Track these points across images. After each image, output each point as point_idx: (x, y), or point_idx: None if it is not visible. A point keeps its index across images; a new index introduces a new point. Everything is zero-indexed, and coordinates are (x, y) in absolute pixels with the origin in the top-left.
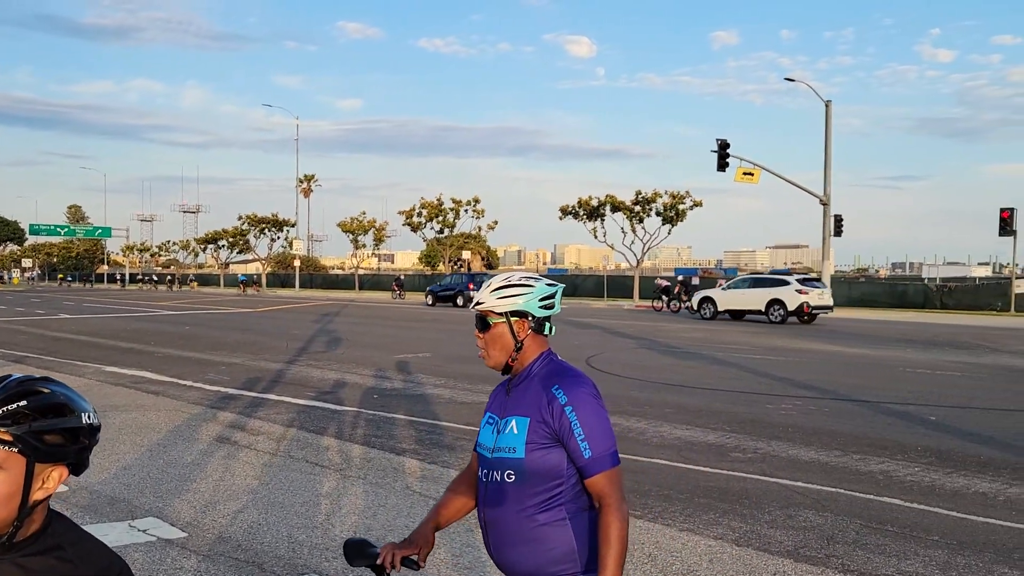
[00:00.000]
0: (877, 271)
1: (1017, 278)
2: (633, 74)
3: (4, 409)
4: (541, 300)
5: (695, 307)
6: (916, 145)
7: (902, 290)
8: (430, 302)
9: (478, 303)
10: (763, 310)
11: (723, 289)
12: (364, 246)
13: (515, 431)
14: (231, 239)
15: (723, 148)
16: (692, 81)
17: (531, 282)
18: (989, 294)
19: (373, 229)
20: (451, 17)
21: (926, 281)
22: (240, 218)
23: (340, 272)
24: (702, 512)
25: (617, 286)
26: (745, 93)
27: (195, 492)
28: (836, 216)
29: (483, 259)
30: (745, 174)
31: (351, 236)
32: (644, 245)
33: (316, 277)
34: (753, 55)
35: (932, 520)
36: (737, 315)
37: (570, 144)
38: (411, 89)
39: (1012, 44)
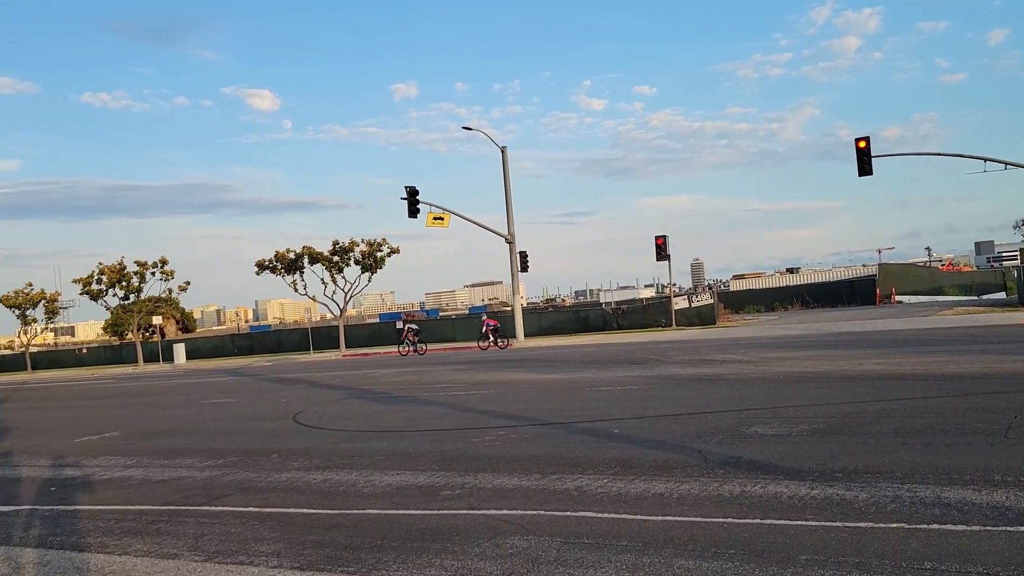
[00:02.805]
0: (563, 300)
1: (675, 296)
2: (319, 126)
3: None
4: None
5: None
6: (583, 184)
7: (584, 315)
8: None
9: None
10: None
11: None
12: (35, 320)
13: None
14: None
15: (412, 195)
16: (378, 132)
17: None
18: (655, 313)
19: (43, 301)
20: (115, 70)
21: (603, 306)
22: None
23: (8, 352)
24: (416, 556)
25: (323, 337)
26: (429, 142)
27: None
28: (521, 252)
29: (178, 323)
30: (435, 218)
31: (17, 311)
32: (346, 294)
33: None
34: (433, 106)
35: (621, 527)
36: None
37: (261, 198)
38: (77, 147)
39: (650, 94)
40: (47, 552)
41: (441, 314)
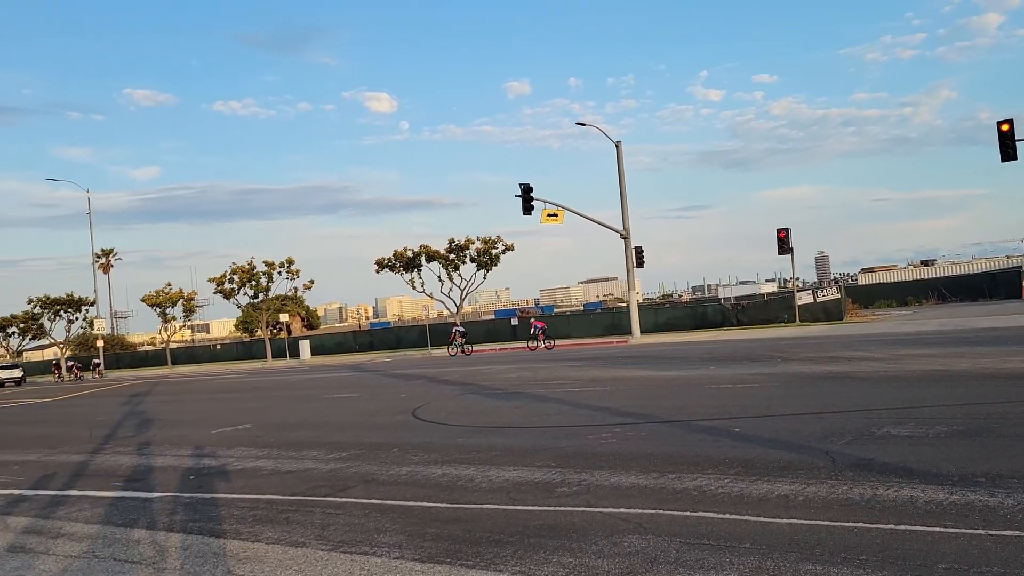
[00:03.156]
0: (680, 296)
1: (798, 291)
2: (435, 126)
3: None
4: None
5: None
6: (700, 177)
7: (702, 311)
8: None
9: None
10: None
11: None
12: (174, 319)
13: None
14: (22, 325)
15: (527, 192)
16: (492, 130)
17: None
18: (777, 308)
19: (181, 300)
20: (244, 79)
21: (722, 301)
22: (31, 301)
23: (151, 348)
24: (533, 552)
25: (440, 334)
26: (543, 139)
27: None
28: (637, 248)
29: (303, 320)
30: (549, 215)
31: (158, 310)
32: (462, 291)
33: (124, 356)
34: (546, 103)
35: (743, 528)
36: None
37: (380, 198)
38: (210, 154)
39: (770, 82)
40: (187, 537)
41: (556, 310)
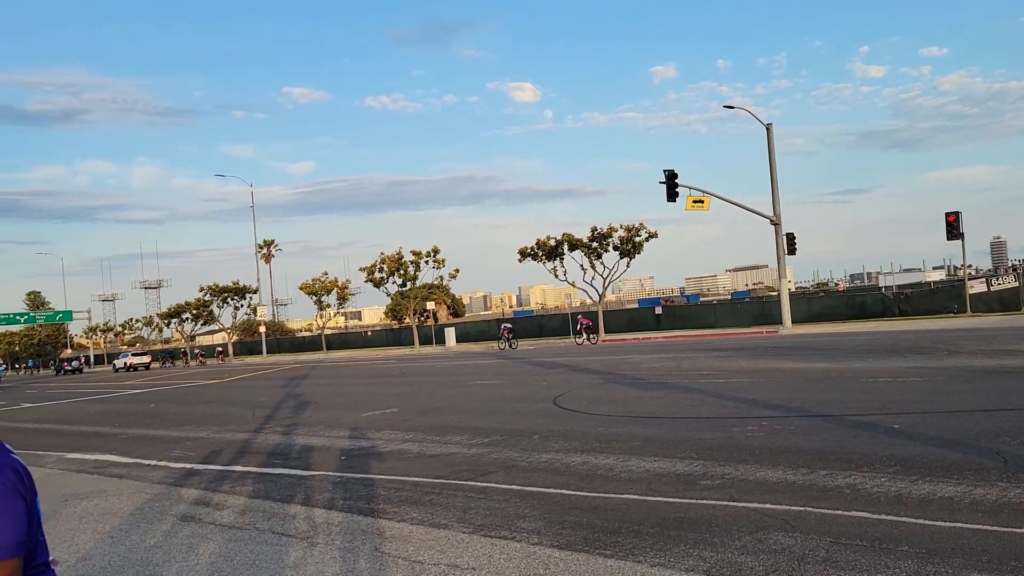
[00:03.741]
0: (836, 284)
1: (970, 279)
2: (579, 114)
3: None
4: None
5: None
6: (859, 159)
7: (860, 300)
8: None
9: None
10: None
11: None
12: (328, 306)
13: None
14: (194, 311)
15: (671, 178)
16: (636, 116)
17: None
18: (944, 297)
19: (336, 288)
20: (394, 74)
21: (883, 290)
22: (202, 289)
23: (307, 334)
24: (673, 545)
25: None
26: (689, 123)
27: None
28: (788, 235)
29: (449, 308)
30: (695, 202)
31: (314, 297)
32: (605, 280)
33: (283, 341)
34: (692, 86)
35: (901, 530)
36: None
37: (524, 188)
38: (362, 147)
39: (940, 55)
40: (338, 514)
41: (702, 299)
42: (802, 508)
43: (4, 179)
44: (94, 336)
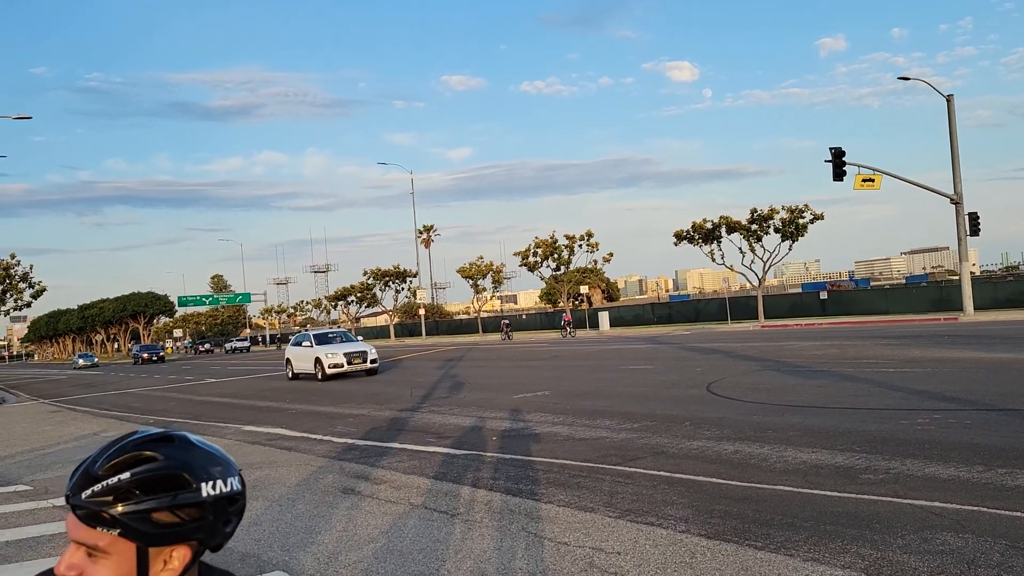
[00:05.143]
0: None
1: None
2: (739, 92)
3: (105, 484)
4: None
5: None
6: None
7: None
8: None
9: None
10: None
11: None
12: (484, 289)
13: None
14: (359, 294)
15: (838, 157)
16: (801, 92)
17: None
18: None
19: (491, 272)
20: (548, 58)
21: None
22: (365, 273)
23: (464, 317)
24: (829, 540)
25: (741, 307)
26: (859, 98)
27: (319, 544)
28: (971, 214)
29: (603, 292)
30: (864, 181)
31: (471, 281)
32: (765, 263)
33: (441, 324)
34: (864, 58)
35: None
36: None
37: (680, 169)
38: (517, 132)
39: None
40: (488, 493)
41: (872, 284)
42: (975, 508)
43: (191, 171)
44: (269, 317)
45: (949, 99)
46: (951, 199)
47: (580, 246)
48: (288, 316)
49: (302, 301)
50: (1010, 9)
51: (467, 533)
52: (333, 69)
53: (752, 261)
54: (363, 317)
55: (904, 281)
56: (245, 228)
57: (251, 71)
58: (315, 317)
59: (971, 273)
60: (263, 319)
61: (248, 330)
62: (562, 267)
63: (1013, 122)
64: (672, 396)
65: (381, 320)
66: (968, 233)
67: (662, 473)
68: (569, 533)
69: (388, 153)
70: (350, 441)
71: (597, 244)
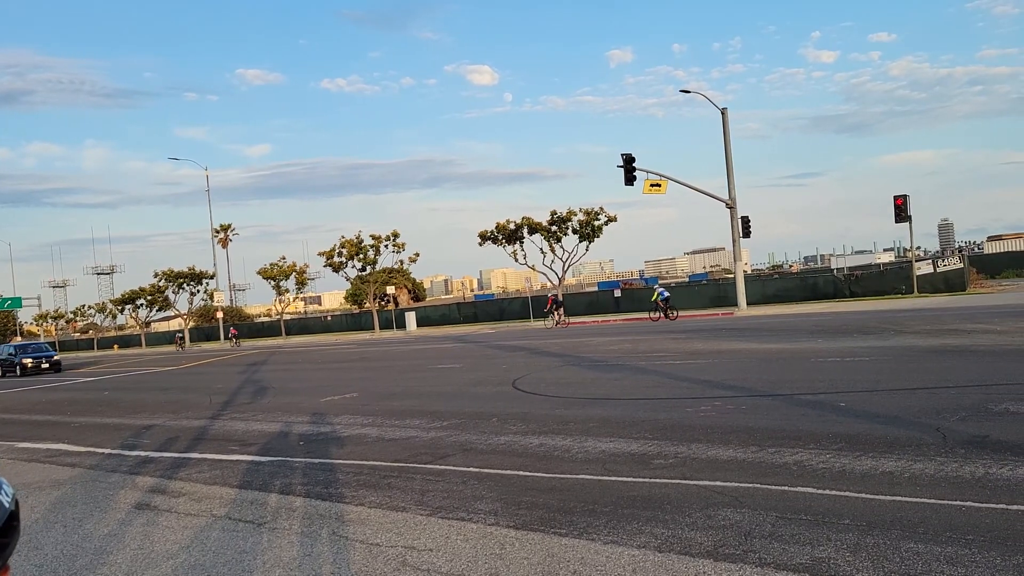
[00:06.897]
0: (790, 266)
1: (917, 261)
2: (537, 98)
3: None
4: None
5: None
6: (812, 143)
7: (813, 282)
8: None
9: None
10: None
11: None
12: (287, 291)
13: None
14: (149, 297)
15: (628, 162)
16: (595, 100)
17: None
18: (893, 279)
19: (294, 273)
20: (350, 56)
21: (835, 272)
22: (156, 275)
23: (266, 319)
24: (626, 522)
25: (543, 305)
26: (646, 107)
27: (111, 565)
28: (743, 218)
29: (410, 292)
30: (652, 185)
31: (272, 282)
32: (564, 263)
33: (241, 327)
34: (649, 70)
35: (843, 504)
36: None
37: (483, 171)
38: (318, 130)
39: (888, 41)
40: (296, 499)
41: (660, 281)
42: (750, 485)
43: None
44: (44, 323)
45: (724, 112)
46: (726, 203)
47: (386, 246)
48: (67, 322)
49: (83, 305)
50: (772, 32)
51: (275, 541)
52: (116, 56)
53: (552, 261)
54: (154, 321)
55: (687, 279)
56: (14, 226)
57: (18, 54)
58: (99, 322)
59: (744, 272)
60: (37, 326)
61: (19, 338)
62: (368, 267)
63: (775, 134)
64: (479, 393)
65: (174, 324)
66: (741, 235)
67: (471, 469)
68: (381, 534)
69: (179, 148)
70: (143, 454)
71: (403, 244)
